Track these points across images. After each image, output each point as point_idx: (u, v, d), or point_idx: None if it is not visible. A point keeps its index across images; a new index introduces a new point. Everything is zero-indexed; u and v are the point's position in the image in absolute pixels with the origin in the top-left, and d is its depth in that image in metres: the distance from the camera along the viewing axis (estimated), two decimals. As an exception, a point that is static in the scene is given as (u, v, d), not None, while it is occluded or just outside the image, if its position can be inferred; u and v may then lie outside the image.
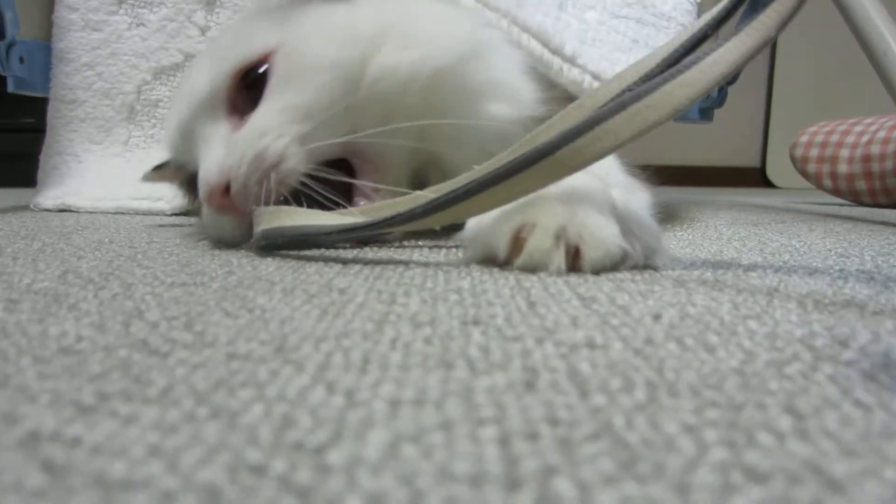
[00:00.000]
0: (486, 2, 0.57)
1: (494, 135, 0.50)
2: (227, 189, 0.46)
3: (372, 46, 0.49)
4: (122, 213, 0.82)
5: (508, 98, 0.52)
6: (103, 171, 0.88)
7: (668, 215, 0.86)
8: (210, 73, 0.50)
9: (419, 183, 0.49)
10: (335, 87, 0.48)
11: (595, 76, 0.58)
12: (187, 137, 0.51)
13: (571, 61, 0.57)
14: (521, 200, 0.38)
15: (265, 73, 0.49)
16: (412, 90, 0.49)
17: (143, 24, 0.90)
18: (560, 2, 0.67)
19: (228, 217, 0.48)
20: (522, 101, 0.53)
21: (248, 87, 0.49)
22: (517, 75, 0.54)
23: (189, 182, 0.57)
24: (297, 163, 0.47)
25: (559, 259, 0.36)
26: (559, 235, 0.36)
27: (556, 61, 0.57)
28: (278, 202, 0.47)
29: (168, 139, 0.54)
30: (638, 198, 0.43)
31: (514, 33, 0.56)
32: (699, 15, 0.80)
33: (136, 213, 0.83)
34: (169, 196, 0.77)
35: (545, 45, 0.57)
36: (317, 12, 0.52)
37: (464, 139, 0.51)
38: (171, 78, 0.89)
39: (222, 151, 0.47)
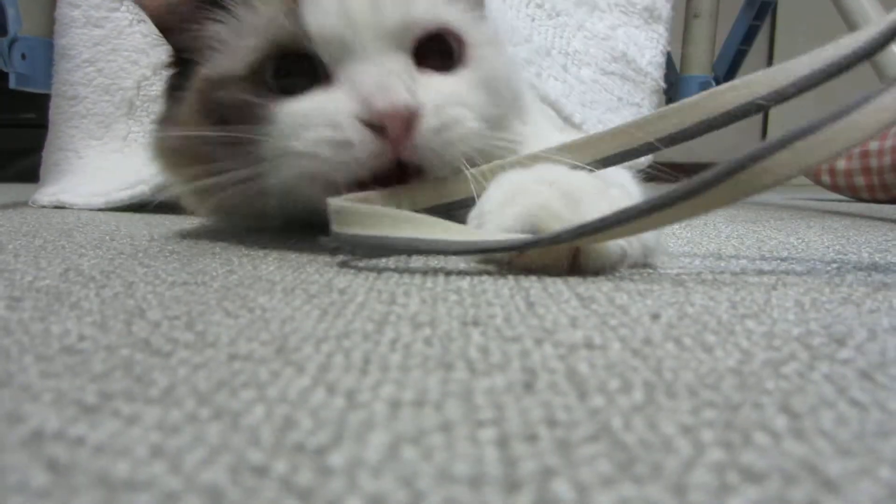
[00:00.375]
0: None
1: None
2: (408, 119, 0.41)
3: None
4: (113, 210, 0.82)
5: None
6: (102, 167, 0.88)
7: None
8: (416, 6, 0.45)
9: None
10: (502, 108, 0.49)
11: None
12: (364, 35, 0.43)
13: (578, 127, 0.71)
14: (524, 196, 0.38)
15: (457, 54, 0.47)
16: None
17: (143, 21, 0.90)
18: (563, 62, 0.76)
19: (377, 145, 0.41)
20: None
21: (435, 52, 0.46)
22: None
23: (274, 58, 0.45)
24: (478, 139, 0.45)
25: (567, 262, 0.37)
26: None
27: (567, 126, 0.69)
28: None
29: (335, 24, 0.43)
30: (633, 195, 0.44)
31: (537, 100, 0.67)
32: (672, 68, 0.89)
33: (122, 203, 0.80)
34: (149, 177, 0.75)
35: (559, 112, 0.71)
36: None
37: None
38: (171, 74, 0.89)
39: (410, 80, 0.43)
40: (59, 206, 0.85)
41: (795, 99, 0.38)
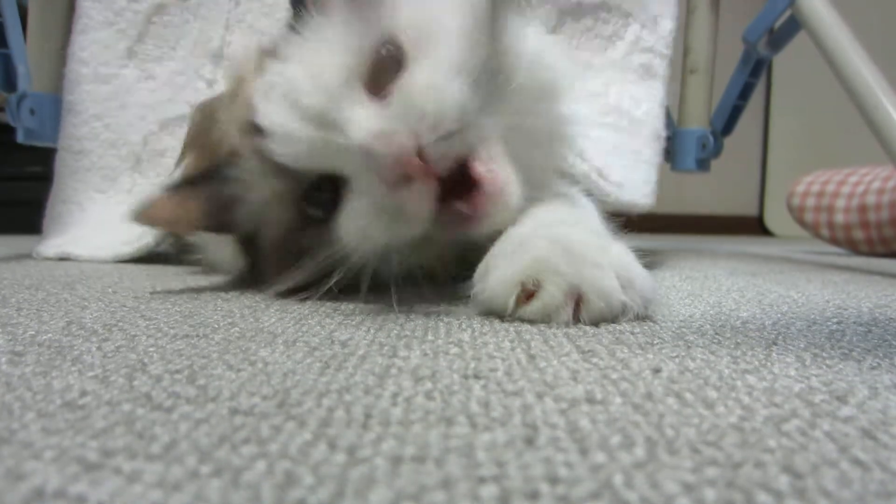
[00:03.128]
0: None
1: None
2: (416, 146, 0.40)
3: None
4: (121, 262, 0.82)
5: None
6: (105, 220, 0.89)
7: (667, 265, 0.86)
8: (344, 54, 0.44)
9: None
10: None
11: (598, 170, 0.71)
12: (318, 141, 0.43)
13: (580, 155, 0.69)
14: (527, 251, 0.39)
15: (396, 49, 0.44)
16: None
17: (152, 78, 0.92)
18: None
19: (414, 191, 0.40)
20: None
21: (383, 63, 0.44)
22: None
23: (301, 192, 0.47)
24: (472, 102, 0.41)
25: (567, 313, 0.38)
26: (568, 294, 0.38)
27: (571, 156, 0.66)
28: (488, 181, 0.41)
29: (288, 136, 0.44)
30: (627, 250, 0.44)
31: None
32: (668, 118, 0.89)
33: (130, 257, 0.81)
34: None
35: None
36: None
37: None
38: (177, 129, 0.91)
39: (387, 123, 0.40)
40: (64, 258, 0.85)
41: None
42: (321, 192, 0.46)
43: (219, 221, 0.51)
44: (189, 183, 0.52)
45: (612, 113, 0.86)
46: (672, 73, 1.14)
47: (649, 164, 0.86)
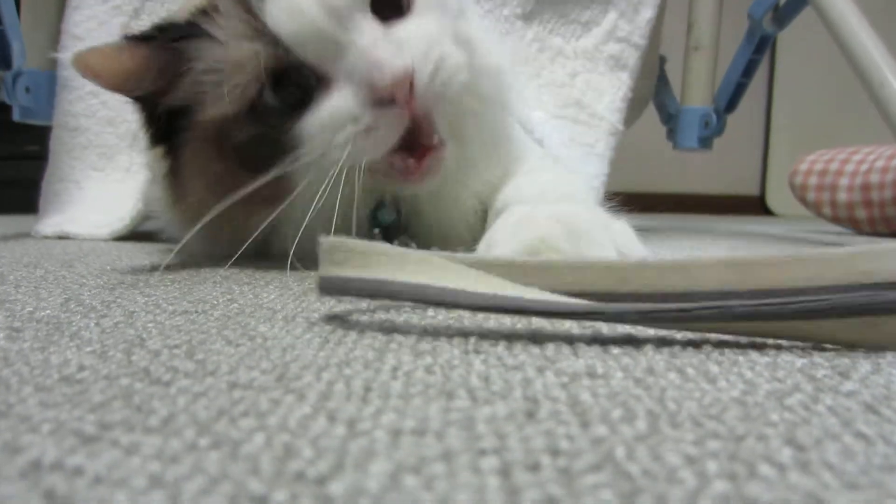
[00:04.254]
0: None
1: None
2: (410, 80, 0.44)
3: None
4: (120, 240, 0.82)
5: None
6: (103, 198, 0.88)
7: (667, 244, 0.86)
8: None
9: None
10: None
11: (554, 160, 0.71)
12: (330, 22, 0.44)
13: (539, 142, 0.70)
14: (529, 234, 0.39)
15: None
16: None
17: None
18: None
19: (392, 115, 0.44)
20: None
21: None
22: None
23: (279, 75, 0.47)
24: (465, 68, 0.46)
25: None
26: None
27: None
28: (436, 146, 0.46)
29: (300, 21, 0.45)
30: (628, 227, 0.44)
31: None
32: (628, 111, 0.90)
33: (126, 231, 0.81)
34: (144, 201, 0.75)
35: (527, 131, 0.68)
36: None
37: None
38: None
39: (390, 44, 0.44)
40: (63, 237, 0.85)
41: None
42: (286, 87, 0.46)
43: (157, 85, 0.49)
44: (146, 39, 0.49)
45: (573, 105, 0.88)
46: (675, 49, 1.13)
47: (601, 157, 0.87)
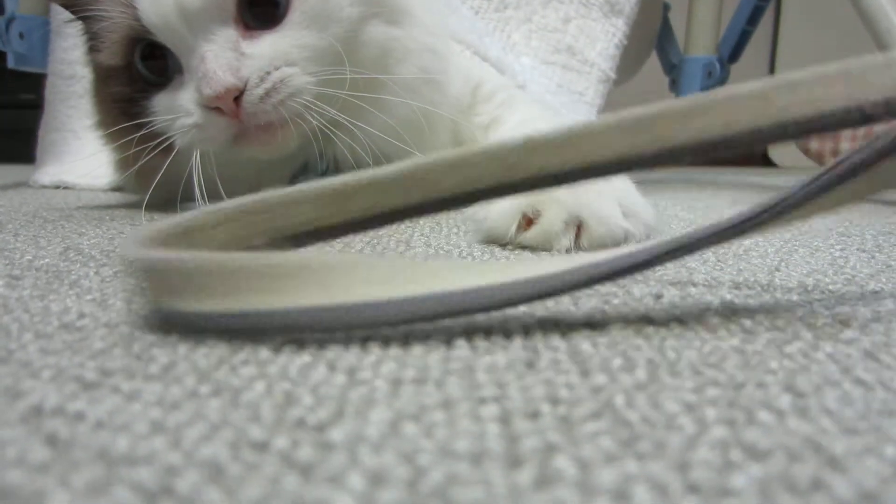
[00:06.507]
0: (452, 34, 0.65)
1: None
2: (235, 96, 0.47)
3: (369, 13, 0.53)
4: (119, 190, 0.81)
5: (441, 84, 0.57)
6: (101, 148, 0.88)
7: (668, 196, 0.85)
8: None
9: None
10: (342, 39, 0.51)
11: None
12: (183, 23, 0.48)
13: (522, 87, 0.70)
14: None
15: (281, 1, 0.50)
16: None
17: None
18: (502, 46, 0.77)
19: (222, 120, 0.48)
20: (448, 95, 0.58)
21: (262, 4, 0.49)
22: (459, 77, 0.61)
23: (152, 58, 0.52)
24: (308, 92, 0.48)
25: (567, 240, 0.38)
26: (568, 221, 0.37)
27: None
28: (275, 125, 0.48)
29: (158, 14, 0.49)
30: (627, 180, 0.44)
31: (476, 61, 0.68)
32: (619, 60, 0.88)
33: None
34: None
35: (501, 73, 0.68)
36: None
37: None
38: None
39: (234, 56, 0.47)
40: (61, 186, 0.85)
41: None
42: (156, 59, 0.51)
43: (85, 6, 0.52)
44: None
45: (564, 51, 0.87)
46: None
47: (591, 105, 0.86)
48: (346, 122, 0.50)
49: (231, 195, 0.27)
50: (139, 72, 0.51)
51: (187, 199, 0.51)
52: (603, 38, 0.88)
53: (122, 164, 0.58)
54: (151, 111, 0.51)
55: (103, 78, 0.55)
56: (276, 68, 0.47)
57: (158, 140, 0.50)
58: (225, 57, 0.47)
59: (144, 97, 0.51)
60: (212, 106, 0.47)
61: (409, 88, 0.54)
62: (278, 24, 0.49)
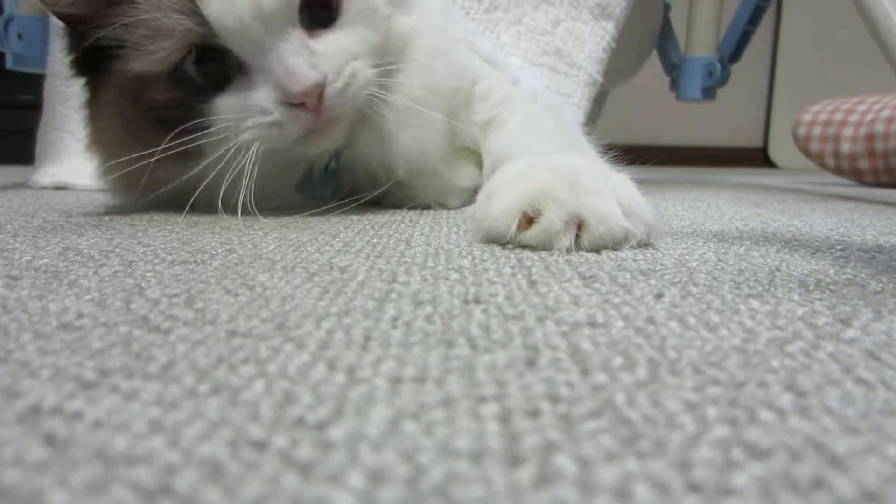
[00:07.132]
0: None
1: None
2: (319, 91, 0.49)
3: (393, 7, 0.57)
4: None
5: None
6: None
7: (669, 195, 0.85)
8: None
9: None
10: (382, 33, 0.54)
11: None
12: (260, 25, 0.48)
13: (515, 83, 0.71)
14: (529, 180, 0.39)
15: (334, 3, 0.52)
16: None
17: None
18: (492, 47, 0.79)
19: (303, 116, 0.50)
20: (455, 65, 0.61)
21: (317, 6, 0.51)
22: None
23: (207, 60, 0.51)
24: (373, 83, 0.52)
25: (568, 239, 0.38)
26: (568, 221, 0.37)
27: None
28: (339, 118, 0.52)
29: (233, 17, 0.48)
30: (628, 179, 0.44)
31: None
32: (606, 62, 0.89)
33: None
34: None
35: (493, 65, 0.70)
36: None
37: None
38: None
39: (309, 54, 0.49)
40: (60, 187, 0.84)
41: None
42: (209, 63, 0.50)
43: (85, 10, 0.51)
44: None
45: (552, 54, 0.87)
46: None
47: (577, 107, 0.87)
48: (371, 112, 0.54)
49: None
50: (189, 76, 0.51)
51: (204, 203, 0.52)
52: (592, 42, 0.89)
53: (131, 175, 0.54)
54: (211, 113, 0.51)
55: (132, 88, 0.52)
56: (347, 63, 0.50)
57: (191, 146, 0.50)
58: (303, 55, 0.49)
59: (201, 100, 0.51)
60: (297, 102, 0.49)
61: (423, 67, 0.57)
62: (333, 24, 0.52)
